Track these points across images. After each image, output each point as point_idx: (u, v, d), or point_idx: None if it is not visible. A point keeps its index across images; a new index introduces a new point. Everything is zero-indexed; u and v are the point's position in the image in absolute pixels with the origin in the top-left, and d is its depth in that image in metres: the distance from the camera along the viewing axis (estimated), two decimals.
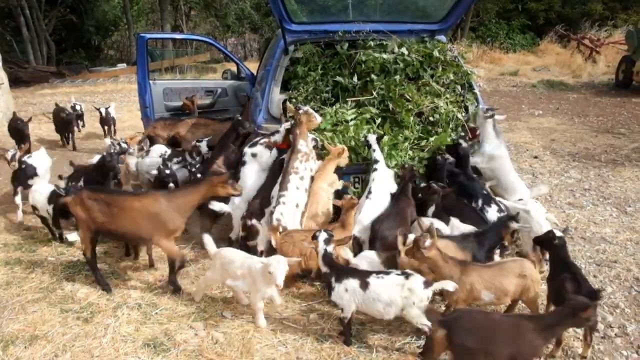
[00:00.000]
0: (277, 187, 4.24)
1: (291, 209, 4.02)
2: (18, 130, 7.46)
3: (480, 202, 4.36)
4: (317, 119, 4.47)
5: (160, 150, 5.74)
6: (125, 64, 21.30)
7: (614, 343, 3.27)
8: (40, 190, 4.91)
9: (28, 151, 6.79)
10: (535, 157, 7.79)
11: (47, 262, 4.45)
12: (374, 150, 4.45)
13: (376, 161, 4.40)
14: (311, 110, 4.46)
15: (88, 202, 3.85)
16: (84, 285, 4.03)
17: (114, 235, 4.06)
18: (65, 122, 8.71)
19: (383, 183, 4.30)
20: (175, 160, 5.58)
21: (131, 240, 4.28)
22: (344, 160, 4.43)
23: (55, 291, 3.93)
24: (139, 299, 3.81)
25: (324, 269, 3.24)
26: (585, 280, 3.09)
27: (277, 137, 4.69)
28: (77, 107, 9.48)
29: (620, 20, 22.24)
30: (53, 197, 4.70)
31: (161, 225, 3.78)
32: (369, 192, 4.22)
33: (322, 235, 3.29)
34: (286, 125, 4.65)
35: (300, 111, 4.39)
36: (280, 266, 3.16)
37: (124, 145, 6.95)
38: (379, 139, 4.52)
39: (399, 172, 4.48)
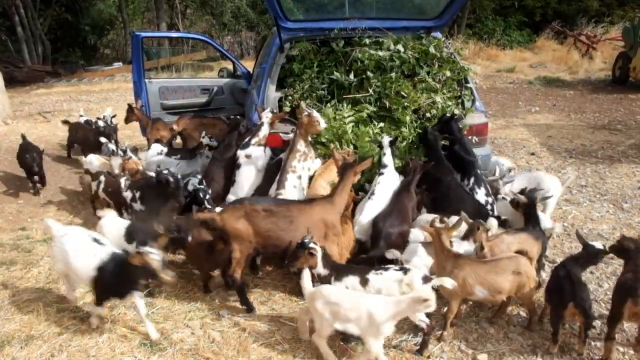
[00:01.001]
0: (274, 185, 4.24)
1: None
2: (26, 164, 6.04)
3: (472, 180, 4.39)
4: (321, 125, 4.31)
5: (157, 149, 5.74)
6: (121, 63, 21.18)
7: None
8: (113, 223, 4.02)
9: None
10: (532, 154, 7.80)
11: (43, 262, 4.43)
12: (384, 154, 4.33)
13: (384, 165, 4.28)
14: (316, 115, 4.29)
15: (253, 215, 3.40)
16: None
17: (272, 248, 3.55)
18: (104, 136, 6.85)
19: (388, 188, 4.18)
20: (173, 158, 5.58)
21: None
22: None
23: (51, 291, 3.91)
24: None
25: (324, 272, 3.22)
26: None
27: (264, 130, 4.66)
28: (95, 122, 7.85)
29: (617, 16, 22.20)
30: (133, 234, 3.85)
31: (331, 231, 3.58)
32: (372, 194, 4.12)
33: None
34: (266, 113, 4.66)
35: (305, 113, 4.31)
36: (432, 295, 2.76)
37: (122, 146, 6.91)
38: (392, 142, 4.37)
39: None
